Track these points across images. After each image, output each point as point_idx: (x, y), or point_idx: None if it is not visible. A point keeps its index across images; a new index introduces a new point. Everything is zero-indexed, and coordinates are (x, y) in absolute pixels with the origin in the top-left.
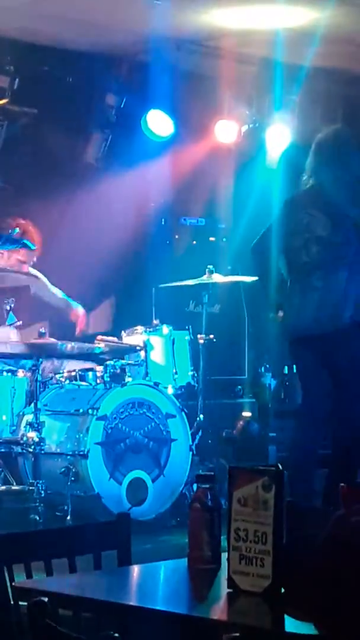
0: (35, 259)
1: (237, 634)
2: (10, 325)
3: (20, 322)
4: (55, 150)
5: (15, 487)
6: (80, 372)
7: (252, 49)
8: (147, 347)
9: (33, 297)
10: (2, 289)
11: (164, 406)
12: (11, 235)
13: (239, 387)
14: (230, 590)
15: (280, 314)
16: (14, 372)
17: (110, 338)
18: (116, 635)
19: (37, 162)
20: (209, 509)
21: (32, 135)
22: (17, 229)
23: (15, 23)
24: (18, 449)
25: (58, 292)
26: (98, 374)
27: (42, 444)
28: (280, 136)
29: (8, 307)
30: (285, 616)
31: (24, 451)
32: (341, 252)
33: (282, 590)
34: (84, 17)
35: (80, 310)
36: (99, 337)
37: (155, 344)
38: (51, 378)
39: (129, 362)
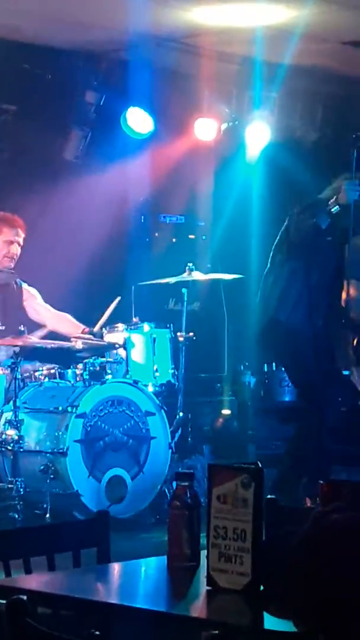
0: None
1: (216, 632)
2: None
3: (3, 327)
4: (35, 148)
5: None
6: (59, 370)
7: (232, 47)
8: (127, 344)
9: (24, 309)
10: None
11: (144, 404)
12: None
13: (219, 385)
14: (209, 587)
15: None
16: None
17: (87, 336)
18: (97, 633)
19: (16, 159)
20: (189, 507)
21: (12, 132)
22: None
23: None
24: None
25: (47, 312)
26: (77, 372)
27: (21, 441)
28: (259, 134)
29: None
30: (264, 613)
31: (3, 449)
32: None
33: (261, 587)
34: (64, 14)
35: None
36: (75, 335)
37: (135, 341)
38: (30, 375)
39: (109, 359)
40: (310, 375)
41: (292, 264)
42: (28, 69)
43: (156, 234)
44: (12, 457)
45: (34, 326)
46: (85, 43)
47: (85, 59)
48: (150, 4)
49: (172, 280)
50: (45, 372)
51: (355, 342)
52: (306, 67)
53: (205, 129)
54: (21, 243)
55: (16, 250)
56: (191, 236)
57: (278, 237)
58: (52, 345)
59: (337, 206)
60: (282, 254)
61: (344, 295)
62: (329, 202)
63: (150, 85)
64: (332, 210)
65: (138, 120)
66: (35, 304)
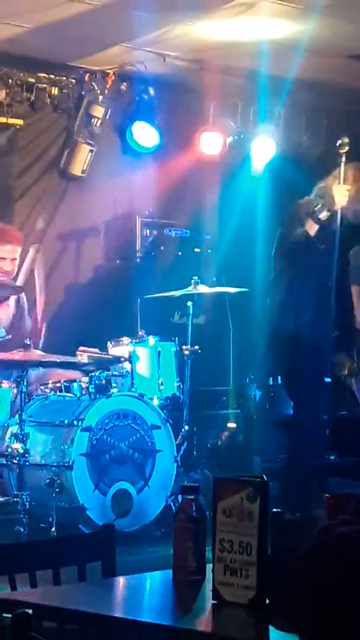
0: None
1: None
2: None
3: (9, 336)
4: (41, 162)
5: None
6: (65, 384)
7: (237, 61)
8: (132, 358)
9: (24, 313)
10: None
11: (149, 417)
12: None
13: (224, 398)
14: (215, 601)
15: None
16: None
17: (92, 349)
18: None
19: (23, 173)
20: (194, 520)
21: (19, 146)
22: None
23: (3, 35)
24: (2, 460)
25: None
26: (83, 385)
27: (26, 455)
28: (264, 147)
29: None
30: (270, 627)
31: (9, 463)
32: None
33: (267, 601)
34: (70, 29)
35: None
36: (81, 348)
37: (140, 355)
38: (36, 389)
39: (115, 373)
40: (308, 386)
41: (290, 274)
42: (34, 83)
43: (161, 248)
44: (17, 470)
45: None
46: (91, 57)
47: (91, 73)
48: (156, 19)
49: (177, 293)
50: (50, 385)
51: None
52: (311, 81)
53: (211, 142)
54: (16, 257)
55: (9, 266)
56: (197, 249)
57: (274, 248)
58: (58, 359)
59: (326, 212)
60: (279, 263)
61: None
62: (315, 209)
63: (155, 99)
64: (321, 217)
65: (143, 134)
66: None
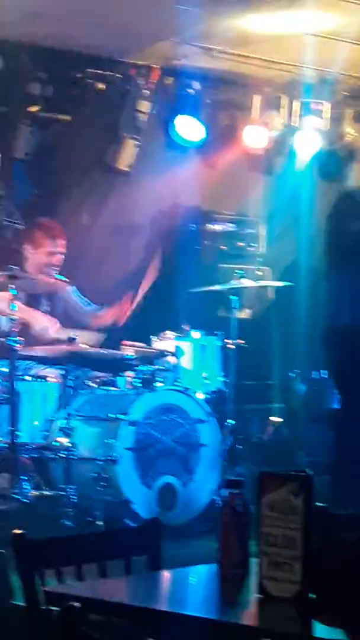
0: (59, 261)
1: (267, 639)
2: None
3: (58, 324)
4: (88, 157)
5: (46, 493)
6: (110, 378)
7: (282, 55)
8: (177, 352)
9: (67, 305)
10: (37, 294)
11: (194, 411)
12: None
13: (269, 392)
14: (259, 595)
15: None
16: (45, 378)
17: (137, 344)
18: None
19: (69, 169)
20: (239, 514)
21: (65, 141)
22: None
23: (47, 30)
24: (49, 454)
25: (80, 307)
26: (128, 380)
27: (73, 449)
28: (309, 141)
29: (43, 311)
30: (315, 622)
31: (56, 457)
32: None
33: (312, 595)
34: (116, 23)
35: (104, 314)
36: (125, 342)
37: (185, 349)
38: (82, 383)
39: (159, 367)
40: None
41: (345, 267)
42: (81, 78)
43: (206, 242)
44: (64, 464)
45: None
46: (137, 52)
47: (137, 68)
48: (201, 13)
49: (221, 287)
50: (96, 379)
51: None
52: (356, 74)
53: (255, 136)
54: (63, 251)
55: (57, 260)
56: (241, 244)
57: (326, 242)
58: (103, 352)
59: None
60: (333, 257)
61: None
62: None
63: (200, 93)
64: None
65: (189, 128)
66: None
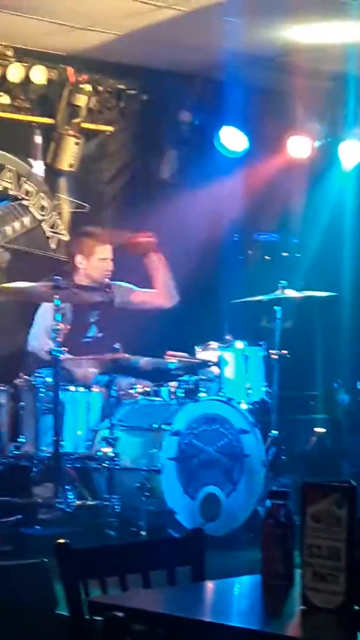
0: (111, 267)
1: None
2: (90, 337)
3: (101, 334)
4: (131, 167)
5: (90, 502)
6: (154, 388)
7: (325, 64)
8: (220, 362)
9: (117, 309)
10: (86, 305)
11: (238, 422)
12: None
13: (312, 402)
14: (303, 606)
15: None
16: (88, 388)
17: (180, 354)
18: None
19: (113, 179)
20: (282, 525)
21: (109, 152)
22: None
23: (91, 42)
24: (93, 464)
25: (142, 291)
26: (172, 390)
27: (116, 459)
28: (353, 150)
29: (91, 320)
30: (359, 633)
31: (99, 466)
32: None
33: (356, 607)
34: (159, 35)
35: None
36: (169, 352)
37: (228, 359)
38: (125, 393)
39: (203, 377)
40: None
41: None
42: (124, 89)
43: (249, 252)
44: (108, 474)
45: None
46: (179, 63)
47: (179, 78)
48: (244, 24)
49: (265, 297)
50: (140, 389)
51: None
52: None
53: (299, 146)
54: (111, 257)
55: (110, 266)
56: (284, 254)
57: None
58: (146, 362)
59: None
60: None
61: None
62: None
63: (244, 103)
64: None
65: (232, 138)
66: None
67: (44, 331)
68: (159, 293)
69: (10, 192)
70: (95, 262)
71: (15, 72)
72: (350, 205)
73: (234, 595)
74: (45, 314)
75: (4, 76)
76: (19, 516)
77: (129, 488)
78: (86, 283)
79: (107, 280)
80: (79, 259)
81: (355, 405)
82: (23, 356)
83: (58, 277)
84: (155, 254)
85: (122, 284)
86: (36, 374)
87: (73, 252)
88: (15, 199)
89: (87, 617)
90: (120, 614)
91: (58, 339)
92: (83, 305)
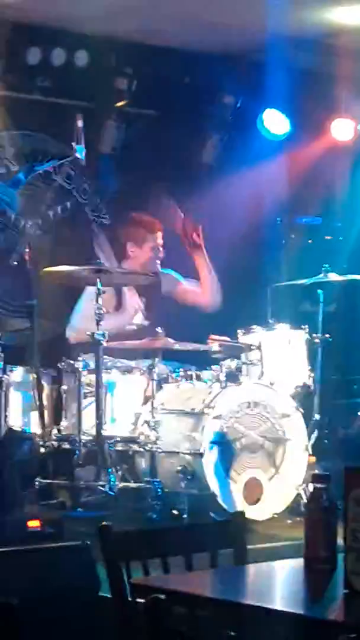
0: (162, 254)
1: (354, 635)
2: (136, 325)
3: (147, 322)
4: (173, 151)
5: (132, 485)
6: (196, 372)
7: None
8: (263, 346)
9: (164, 297)
10: (131, 290)
11: (280, 406)
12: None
13: (356, 386)
14: (346, 591)
15: None
16: (131, 371)
17: (222, 337)
18: (232, 634)
19: (155, 163)
20: (325, 509)
21: (150, 136)
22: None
23: (133, 25)
24: (135, 447)
25: (188, 283)
26: (214, 374)
27: (158, 442)
28: None
29: (137, 305)
30: None
31: (141, 449)
32: None
33: None
34: (201, 17)
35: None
36: (212, 336)
37: (271, 343)
38: (167, 377)
39: (245, 361)
40: None
41: None
42: (166, 73)
43: (292, 236)
44: (149, 457)
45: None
46: (222, 46)
47: (222, 61)
48: (289, 5)
49: (308, 281)
50: (182, 373)
51: None
52: None
53: (343, 129)
54: (162, 245)
55: (161, 253)
56: (328, 237)
57: None
58: (189, 347)
59: None
60: None
61: None
62: None
63: (287, 86)
64: None
65: (275, 121)
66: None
67: (86, 315)
68: (204, 294)
69: (54, 177)
70: (147, 251)
71: (57, 56)
72: None
73: (276, 579)
74: (88, 298)
75: (46, 60)
76: (61, 499)
77: (170, 471)
78: (137, 270)
79: (158, 268)
80: (129, 247)
81: None
82: (66, 340)
83: (100, 261)
84: (203, 253)
85: (169, 272)
86: (79, 358)
87: (123, 240)
88: (60, 158)
89: (129, 599)
90: (162, 596)
91: (101, 323)
92: (128, 290)
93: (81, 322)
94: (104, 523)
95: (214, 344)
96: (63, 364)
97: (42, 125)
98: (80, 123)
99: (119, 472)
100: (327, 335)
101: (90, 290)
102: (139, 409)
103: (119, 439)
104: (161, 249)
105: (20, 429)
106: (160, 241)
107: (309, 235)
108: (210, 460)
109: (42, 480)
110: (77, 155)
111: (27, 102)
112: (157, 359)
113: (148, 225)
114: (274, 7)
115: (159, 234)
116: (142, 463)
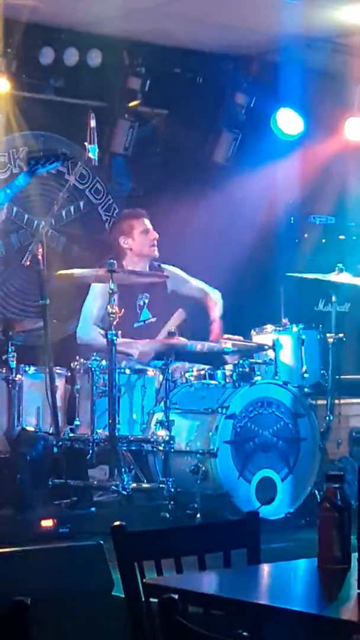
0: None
1: None
2: (143, 321)
3: (155, 318)
4: (186, 150)
5: (145, 485)
6: (209, 371)
7: None
8: (276, 346)
9: (170, 294)
10: (137, 285)
11: (293, 405)
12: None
13: None
14: None
15: None
16: (144, 371)
17: (236, 337)
18: (245, 634)
19: (167, 163)
20: (339, 509)
21: (163, 136)
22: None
23: (146, 25)
24: (148, 447)
25: (195, 281)
26: (227, 373)
27: (171, 442)
28: None
29: (142, 303)
30: None
31: (154, 449)
32: None
33: None
34: (214, 17)
35: (214, 295)
36: (225, 336)
37: (284, 343)
38: (181, 377)
39: (258, 361)
40: None
41: None
42: (179, 72)
43: (305, 235)
44: (163, 457)
45: None
46: (235, 45)
47: (235, 61)
48: (301, 5)
49: (321, 281)
50: (195, 373)
51: None
52: None
53: (356, 128)
54: (156, 237)
55: (154, 235)
56: (341, 237)
57: None
58: (202, 346)
59: None
60: None
61: None
62: None
63: (300, 85)
64: None
65: (288, 121)
66: (183, 287)
67: (92, 318)
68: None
69: (67, 177)
70: (138, 237)
71: (70, 56)
72: None
73: (289, 579)
74: (93, 299)
75: (59, 60)
76: (74, 498)
77: (184, 471)
78: (137, 261)
79: (156, 252)
80: (122, 241)
81: None
82: (78, 340)
83: (113, 261)
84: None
85: (175, 270)
86: (92, 357)
87: (115, 238)
88: (67, 158)
89: (142, 599)
90: (175, 596)
91: (113, 323)
92: (134, 289)
93: (87, 326)
94: (117, 523)
95: (228, 344)
96: (76, 363)
97: (55, 125)
98: (93, 123)
99: (133, 472)
100: (341, 335)
101: (96, 290)
102: (153, 409)
103: (132, 438)
104: (152, 231)
105: (33, 429)
106: (148, 225)
107: (323, 234)
108: (223, 459)
109: (55, 480)
110: (90, 155)
111: (40, 101)
112: (170, 359)
113: (132, 214)
114: (285, 6)
115: (145, 220)
116: (156, 463)
